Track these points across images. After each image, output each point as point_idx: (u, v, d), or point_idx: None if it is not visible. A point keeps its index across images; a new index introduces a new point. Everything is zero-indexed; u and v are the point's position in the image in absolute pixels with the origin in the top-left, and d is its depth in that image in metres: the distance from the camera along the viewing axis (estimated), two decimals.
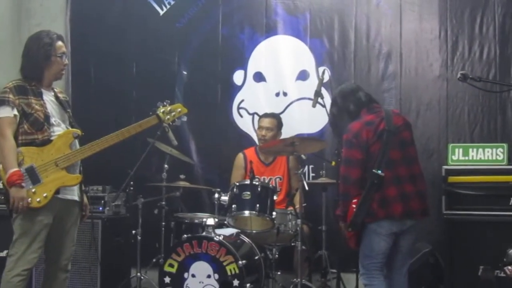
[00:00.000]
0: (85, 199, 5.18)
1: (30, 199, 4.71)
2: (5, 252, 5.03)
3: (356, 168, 5.01)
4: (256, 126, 7.18)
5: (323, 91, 6.25)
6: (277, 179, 6.89)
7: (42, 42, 4.98)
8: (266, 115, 7.05)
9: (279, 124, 6.97)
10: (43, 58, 4.96)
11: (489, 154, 6.25)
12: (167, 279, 5.88)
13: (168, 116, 5.16)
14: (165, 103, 5.19)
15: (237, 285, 5.71)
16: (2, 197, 4.98)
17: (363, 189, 4.97)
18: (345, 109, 5.25)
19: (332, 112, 5.43)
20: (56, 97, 5.07)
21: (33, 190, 4.73)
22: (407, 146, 5.14)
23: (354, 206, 5.00)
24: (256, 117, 7.38)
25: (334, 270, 6.39)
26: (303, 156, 6.46)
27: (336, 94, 5.41)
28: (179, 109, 5.24)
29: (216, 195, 6.32)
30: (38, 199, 4.74)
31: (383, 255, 5.04)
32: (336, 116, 5.39)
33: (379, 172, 4.92)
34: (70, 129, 5.00)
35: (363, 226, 5.02)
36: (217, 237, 5.88)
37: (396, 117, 5.19)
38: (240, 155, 7.05)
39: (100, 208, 6.74)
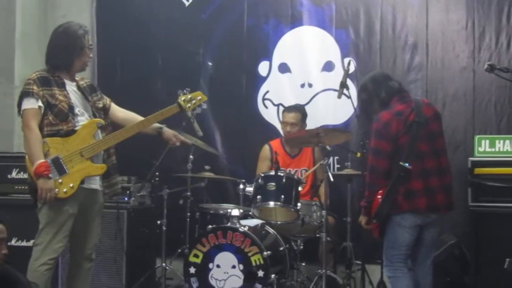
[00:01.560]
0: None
1: (57, 189, 4.75)
2: (31, 241, 5.07)
3: (384, 159, 4.99)
4: (281, 118, 7.16)
5: (349, 82, 6.21)
6: (303, 171, 6.87)
7: (76, 33, 5.02)
8: (289, 109, 6.99)
9: (303, 117, 6.93)
10: (77, 48, 5.01)
11: None
12: (192, 270, 5.89)
13: (189, 104, 5.18)
14: (185, 91, 5.21)
15: (261, 276, 5.71)
16: (27, 187, 5.01)
17: (390, 180, 4.94)
18: (376, 96, 5.19)
19: (362, 98, 5.37)
20: (78, 87, 5.10)
21: (59, 180, 4.77)
22: (436, 138, 5.09)
23: (379, 197, 4.99)
24: (281, 109, 7.36)
25: (359, 262, 6.36)
26: (328, 147, 6.44)
27: (367, 80, 5.34)
28: (199, 97, 5.25)
29: (241, 186, 6.32)
30: (64, 190, 4.78)
31: (406, 247, 5.02)
32: (365, 102, 5.33)
33: (406, 164, 4.88)
34: (94, 119, 5.04)
35: (387, 217, 5.00)
36: (242, 228, 5.89)
37: (426, 108, 5.14)
38: (266, 147, 7.03)
39: (126, 199, 6.75)
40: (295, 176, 6.34)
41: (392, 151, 4.96)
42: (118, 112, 5.36)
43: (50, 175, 4.72)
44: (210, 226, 5.99)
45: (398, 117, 4.99)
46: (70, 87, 5.03)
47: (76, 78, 5.15)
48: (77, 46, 5.00)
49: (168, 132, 5.31)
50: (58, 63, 5.00)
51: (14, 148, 7.30)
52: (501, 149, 6.23)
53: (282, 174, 6.10)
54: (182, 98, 5.18)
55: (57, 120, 4.84)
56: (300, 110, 6.96)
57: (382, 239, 5.15)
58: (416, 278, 5.13)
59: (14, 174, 6.62)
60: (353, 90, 6.41)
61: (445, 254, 6.16)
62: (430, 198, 4.95)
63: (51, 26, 5.25)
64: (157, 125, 5.27)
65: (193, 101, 5.20)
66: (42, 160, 4.72)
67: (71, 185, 4.80)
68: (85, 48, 5.04)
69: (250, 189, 6.25)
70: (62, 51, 5.02)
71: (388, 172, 4.99)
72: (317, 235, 6.12)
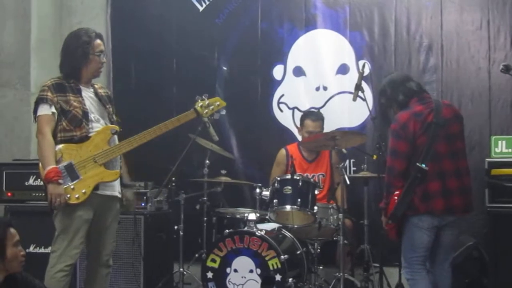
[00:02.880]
0: (129, 194, 5.22)
1: (69, 195, 4.78)
2: (49, 248, 5.09)
3: (401, 160, 4.98)
4: (297, 121, 7.14)
5: (364, 84, 6.20)
6: (320, 176, 6.85)
7: (80, 40, 5.03)
8: (311, 118, 6.92)
9: (323, 124, 6.93)
10: (81, 56, 5.02)
11: None
12: (209, 274, 5.90)
13: (206, 110, 5.18)
14: (203, 97, 5.21)
15: (279, 279, 5.71)
16: (43, 194, 5.04)
17: (407, 181, 4.92)
18: (394, 99, 5.19)
19: (381, 102, 5.36)
20: (96, 93, 5.12)
21: (72, 186, 4.80)
22: (455, 140, 5.06)
23: (395, 198, 4.97)
24: (297, 112, 7.36)
25: (377, 264, 6.35)
26: (344, 150, 6.44)
27: (386, 84, 5.32)
28: (218, 103, 5.25)
29: (258, 190, 6.31)
30: (76, 195, 4.80)
31: (425, 249, 5.00)
32: (384, 106, 5.33)
33: (423, 166, 4.86)
34: (109, 125, 5.05)
35: (404, 219, 4.98)
36: (259, 232, 5.89)
37: (446, 109, 5.10)
38: (283, 151, 7.01)
39: (143, 204, 6.76)
40: (312, 180, 6.33)
41: (409, 152, 4.94)
42: None
43: (61, 180, 4.74)
44: (227, 231, 5.99)
45: (416, 117, 4.96)
46: (86, 93, 5.05)
47: (95, 86, 5.17)
48: (80, 53, 5.01)
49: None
50: (67, 71, 5.04)
51: (31, 155, 7.33)
52: None
53: (298, 178, 6.10)
54: (200, 104, 5.18)
55: (71, 126, 4.87)
56: (321, 119, 6.94)
57: (399, 240, 5.13)
58: (434, 280, 5.10)
59: (31, 181, 6.64)
60: (368, 92, 6.41)
61: (463, 255, 6.13)
62: (447, 200, 4.91)
63: (66, 32, 5.27)
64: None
65: (211, 107, 5.20)
66: (53, 166, 4.75)
67: (83, 191, 4.81)
68: (90, 55, 5.04)
69: (266, 193, 6.24)
70: (69, 59, 5.05)
71: (405, 173, 4.96)
72: (334, 238, 6.11)
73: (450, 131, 5.02)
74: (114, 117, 5.22)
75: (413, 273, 5.05)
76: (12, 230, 3.97)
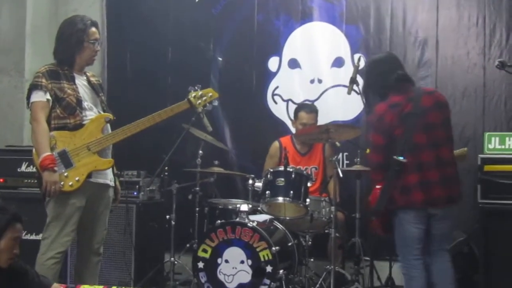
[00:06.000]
0: (117, 184, 5.22)
1: (62, 182, 4.77)
2: (40, 235, 5.09)
3: (378, 153, 4.89)
4: (291, 114, 7.14)
5: (359, 78, 6.20)
6: (313, 169, 6.85)
7: (75, 28, 5.02)
8: (305, 110, 6.92)
9: (317, 117, 6.92)
10: (76, 43, 5.01)
11: None
12: (200, 264, 5.89)
13: (200, 101, 5.17)
14: (196, 87, 5.20)
15: (270, 271, 5.70)
16: (36, 181, 5.03)
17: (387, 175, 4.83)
18: (372, 90, 5.16)
19: (366, 82, 5.32)
20: (89, 81, 5.12)
21: (65, 174, 4.79)
22: (435, 129, 4.87)
23: (377, 192, 4.89)
24: (291, 104, 7.37)
25: (368, 258, 6.38)
26: (337, 143, 6.44)
27: (370, 69, 5.23)
28: (210, 94, 5.23)
29: (250, 181, 6.30)
30: (70, 183, 4.80)
31: (417, 242, 4.86)
32: (365, 89, 5.34)
33: (400, 158, 4.72)
34: (102, 113, 5.05)
35: (392, 213, 4.88)
36: (251, 223, 5.88)
37: (426, 97, 4.94)
38: (276, 144, 7.01)
39: (135, 193, 6.76)
40: (304, 172, 6.33)
41: (387, 145, 4.83)
42: None
43: (56, 168, 4.74)
44: (219, 221, 5.98)
45: (393, 109, 4.84)
46: (80, 81, 5.05)
47: (88, 74, 5.17)
48: (75, 41, 5.00)
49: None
50: (61, 58, 5.03)
51: (24, 141, 7.33)
52: (511, 146, 6.20)
53: (291, 170, 6.10)
54: (193, 95, 5.17)
55: (65, 113, 4.86)
56: (315, 111, 6.92)
57: (386, 235, 5.06)
58: (433, 273, 4.96)
59: (23, 168, 6.64)
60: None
61: (454, 251, 6.12)
62: (426, 193, 4.77)
63: (61, 20, 5.24)
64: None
65: (204, 98, 5.19)
66: (48, 153, 4.74)
67: (77, 178, 4.81)
68: (85, 43, 5.02)
69: (259, 184, 6.24)
70: (63, 46, 5.04)
71: (386, 166, 4.83)
72: (326, 231, 6.13)
73: (429, 120, 4.86)
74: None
75: (408, 269, 4.92)
76: (19, 225, 3.93)
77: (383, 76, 5.03)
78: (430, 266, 4.98)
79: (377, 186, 4.93)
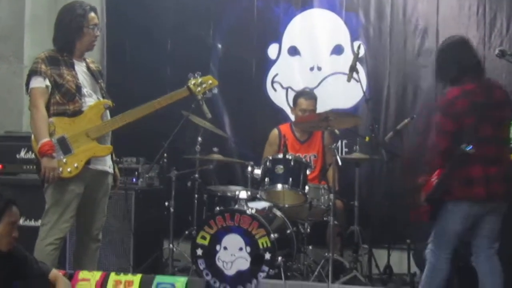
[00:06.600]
0: (116, 170, 5.22)
1: (61, 169, 4.77)
2: (39, 221, 5.09)
3: (445, 139, 4.69)
4: (291, 101, 7.13)
5: (358, 66, 6.20)
6: (312, 157, 6.85)
7: (75, 13, 5.01)
8: (304, 96, 6.92)
9: (316, 104, 6.92)
10: (75, 29, 5.00)
11: None
12: (199, 251, 5.90)
13: (199, 88, 5.16)
14: (196, 75, 5.19)
15: (268, 258, 5.71)
16: (35, 167, 5.03)
17: (448, 162, 4.67)
18: (446, 73, 4.92)
19: (439, 63, 5.04)
20: (88, 68, 5.11)
21: (64, 160, 4.80)
22: (501, 125, 4.78)
23: (433, 179, 4.73)
24: (291, 92, 7.36)
25: (366, 246, 6.39)
26: (336, 131, 6.44)
27: (445, 50, 4.99)
28: (210, 81, 5.22)
29: (249, 169, 6.30)
30: (69, 169, 4.80)
31: (456, 238, 4.77)
32: (442, 69, 4.99)
33: (468, 148, 4.57)
34: (102, 100, 5.04)
35: (441, 203, 4.73)
36: (250, 210, 5.89)
37: (498, 91, 4.85)
38: (275, 131, 7.00)
39: (134, 180, 6.77)
40: (304, 160, 6.33)
41: (455, 131, 4.65)
42: None
43: (54, 154, 4.74)
44: (217, 208, 5.99)
45: (466, 96, 4.67)
46: (80, 67, 5.04)
47: (87, 60, 5.16)
48: (75, 26, 4.99)
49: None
50: (61, 44, 5.02)
51: (23, 128, 7.32)
52: None
53: (290, 158, 6.10)
54: (192, 82, 5.16)
55: (64, 100, 4.85)
56: (314, 98, 6.92)
57: (430, 222, 4.88)
58: (479, 271, 4.84)
59: (22, 154, 6.62)
60: (362, 74, 6.43)
61: None
62: (489, 187, 4.61)
63: (61, 7, 5.24)
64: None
65: (204, 85, 5.18)
66: (47, 139, 4.74)
67: (75, 165, 4.81)
68: (85, 28, 5.01)
69: (258, 171, 6.25)
70: (63, 33, 5.03)
71: (448, 153, 4.68)
72: (325, 219, 6.13)
73: (499, 114, 4.76)
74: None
75: (437, 259, 4.82)
76: (15, 209, 3.95)
77: (460, 60, 4.86)
78: (478, 266, 4.87)
79: (435, 173, 4.75)
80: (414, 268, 6.23)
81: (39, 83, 4.84)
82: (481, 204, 4.69)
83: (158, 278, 4.05)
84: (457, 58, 4.86)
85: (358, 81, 6.14)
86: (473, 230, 4.82)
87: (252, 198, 6.27)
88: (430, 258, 4.89)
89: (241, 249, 5.80)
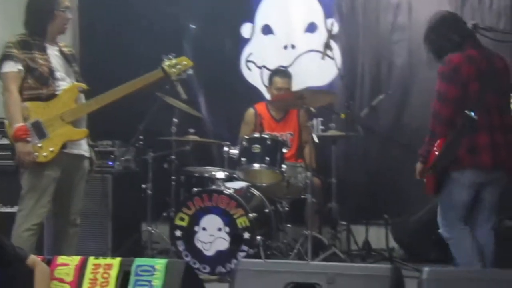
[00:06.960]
0: (93, 154, 5.19)
1: (36, 153, 4.73)
2: (15, 207, 5.06)
3: (448, 106, 4.51)
4: (265, 81, 7.13)
5: (332, 43, 6.20)
6: (288, 135, 6.84)
7: None
8: (279, 75, 6.93)
9: (291, 82, 6.92)
10: (47, 12, 4.95)
11: None
12: (178, 233, 5.91)
13: (174, 69, 5.12)
14: (170, 56, 5.16)
15: (247, 237, 5.73)
16: (10, 153, 4.99)
17: (453, 130, 4.51)
18: (447, 38, 4.67)
19: (431, 39, 4.82)
20: (61, 51, 5.06)
21: (39, 144, 4.76)
22: (504, 94, 4.68)
23: (436, 148, 4.59)
24: (265, 71, 7.33)
25: (344, 222, 6.43)
26: (312, 109, 6.44)
27: (438, 20, 4.81)
28: (185, 62, 5.18)
29: (226, 149, 6.30)
30: (44, 154, 4.76)
31: (464, 207, 4.61)
32: (435, 44, 4.80)
33: (472, 114, 4.40)
34: (76, 83, 5.00)
35: (445, 174, 4.59)
36: (227, 190, 5.90)
37: (498, 59, 4.70)
38: (251, 110, 6.99)
39: (110, 163, 6.74)
40: (280, 138, 6.34)
41: (459, 98, 4.48)
42: None
43: (29, 138, 4.71)
44: (195, 189, 6.00)
45: (470, 62, 4.52)
46: (52, 51, 4.99)
47: (60, 44, 5.11)
48: (46, 9, 4.94)
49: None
50: (32, 28, 4.96)
51: None
52: None
53: (266, 136, 6.10)
54: (167, 63, 5.12)
55: (37, 84, 4.81)
56: (289, 76, 6.94)
57: (435, 195, 4.79)
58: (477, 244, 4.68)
59: None
60: (336, 51, 6.41)
61: (431, 212, 5.75)
62: (495, 154, 4.49)
63: None
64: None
65: (178, 66, 5.15)
66: (21, 124, 4.70)
67: (51, 149, 4.78)
68: (56, 11, 4.96)
69: (235, 151, 6.25)
70: (34, 16, 4.98)
71: (452, 121, 4.52)
72: (302, 197, 6.13)
73: (501, 83, 4.64)
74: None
75: (453, 232, 4.66)
76: None
77: (458, 26, 4.74)
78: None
79: (438, 142, 4.61)
80: (392, 243, 6.28)
81: (11, 67, 4.79)
82: (486, 173, 4.56)
83: (138, 261, 4.02)
84: (453, 27, 4.72)
85: (333, 58, 6.15)
86: (473, 201, 4.69)
87: (230, 178, 6.28)
88: (446, 234, 4.73)
89: (220, 229, 5.81)
